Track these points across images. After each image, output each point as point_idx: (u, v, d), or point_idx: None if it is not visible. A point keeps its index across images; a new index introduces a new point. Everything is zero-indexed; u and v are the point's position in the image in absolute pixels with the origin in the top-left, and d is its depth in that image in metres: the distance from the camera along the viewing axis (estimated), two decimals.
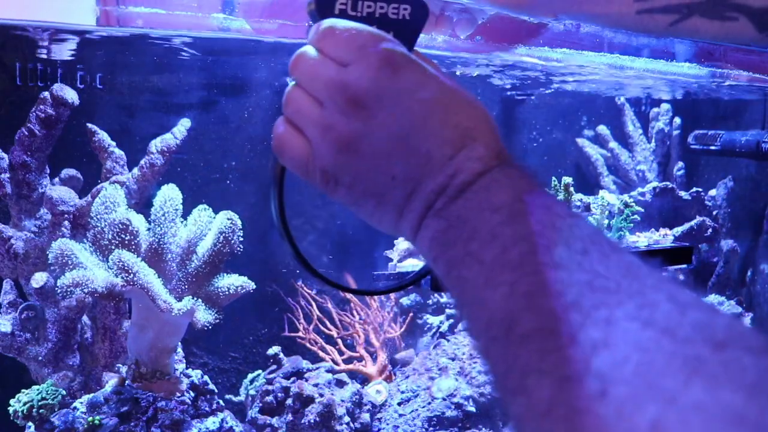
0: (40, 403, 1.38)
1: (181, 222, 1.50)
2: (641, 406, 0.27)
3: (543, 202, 0.37)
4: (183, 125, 1.66)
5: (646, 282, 0.32)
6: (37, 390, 1.42)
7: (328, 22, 0.44)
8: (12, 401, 1.43)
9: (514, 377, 0.32)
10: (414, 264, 0.97)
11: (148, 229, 1.45)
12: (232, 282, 1.46)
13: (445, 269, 0.40)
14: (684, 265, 2.20)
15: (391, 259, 0.95)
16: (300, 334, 2.04)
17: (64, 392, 1.47)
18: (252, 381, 1.97)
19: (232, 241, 1.47)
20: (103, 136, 1.62)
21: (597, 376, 0.29)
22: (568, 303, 0.31)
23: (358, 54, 0.42)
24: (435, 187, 0.41)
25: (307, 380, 1.82)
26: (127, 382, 1.44)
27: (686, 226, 2.25)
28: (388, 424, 1.89)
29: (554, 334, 0.31)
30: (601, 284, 0.32)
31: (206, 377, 1.59)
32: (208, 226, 1.50)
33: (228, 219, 1.47)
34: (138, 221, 1.42)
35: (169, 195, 1.46)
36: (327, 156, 0.43)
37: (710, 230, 2.27)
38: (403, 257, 0.96)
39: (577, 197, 2.15)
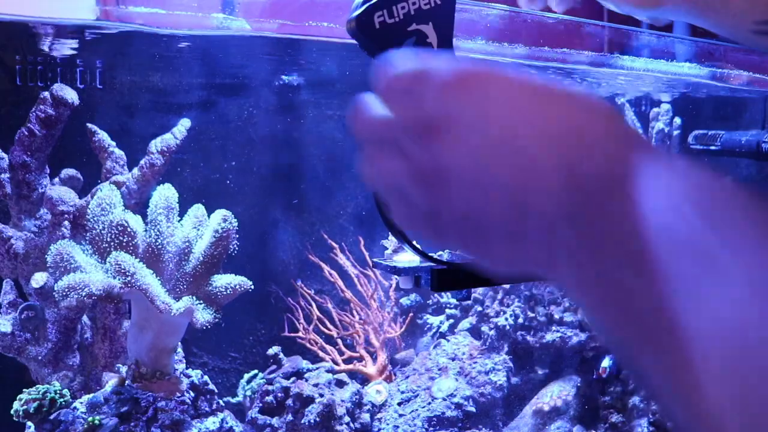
0: (52, 395, 1.38)
1: (178, 221, 1.50)
2: None
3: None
4: (183, 125, 1.66)
5: None
6: (44, 389, 1.42)
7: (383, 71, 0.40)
8: (17, 401, 1.42)
9: None
10: (409, 260, 0.98)
11: (145, 230, 1.45)
12: (230, 281, 1.46)
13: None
14: None
15: (386, 248, 0.96)
16: (300, 334, 2.04)
17: (67, 392, 1.46)
18: (249, 381, 1.97)
19: (229, 240, 1.47)
20: (103, 136, 1.62)
21: None
22: None
23: (411, 96, 0.39)
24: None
25: (307, 380, 1.82)
26: (127, 382, 1.44)
27: None
28: (388, 424, 1.89)
29: None
30: None
31: (206, 377, 1.59)
32: (204, 225, 1.50)
33: (223, 218, 1.46)
34: (135, 222, 1.42)
35: (165, 195, 1.46)
36: (421, 198, 0.40)
37: None
38: (398, 248, 0.97)
39: None
